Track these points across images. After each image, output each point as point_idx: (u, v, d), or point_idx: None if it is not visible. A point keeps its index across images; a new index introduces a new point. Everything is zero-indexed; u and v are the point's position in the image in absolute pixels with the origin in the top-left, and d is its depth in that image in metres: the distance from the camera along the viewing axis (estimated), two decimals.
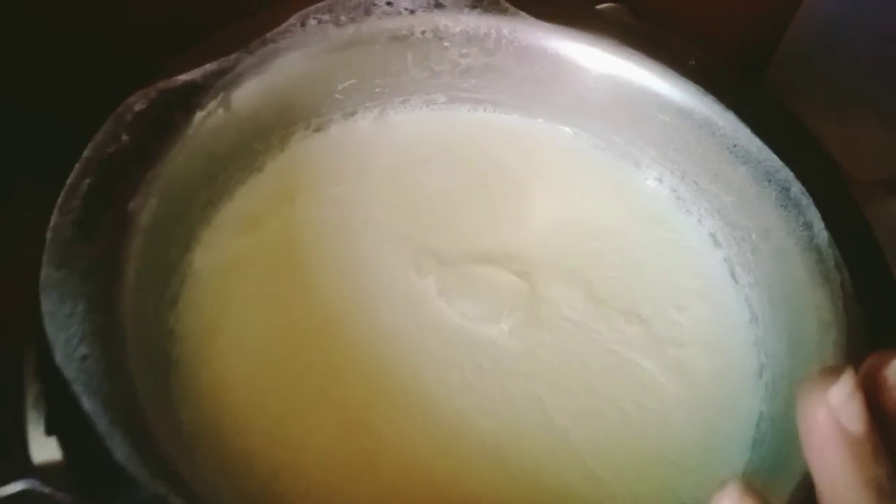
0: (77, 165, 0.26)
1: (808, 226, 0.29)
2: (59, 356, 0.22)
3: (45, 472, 0.29)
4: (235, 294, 0.31)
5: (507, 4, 0.34)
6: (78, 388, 0.22)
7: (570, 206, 0.36)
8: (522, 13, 0.34)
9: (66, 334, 0.23)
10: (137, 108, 0.28)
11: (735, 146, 0.32)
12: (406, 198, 0.35)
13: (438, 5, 0.34)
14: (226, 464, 0.27)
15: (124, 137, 0.27)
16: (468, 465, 0.28)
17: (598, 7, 0.46)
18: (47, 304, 0.23)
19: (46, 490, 0.32)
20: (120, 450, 0.21)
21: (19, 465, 0.29)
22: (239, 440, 0.27)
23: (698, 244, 0.35)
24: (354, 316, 0.31)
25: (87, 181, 0.26)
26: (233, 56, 0.30)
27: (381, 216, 0.34)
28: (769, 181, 0.30)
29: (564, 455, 0.29)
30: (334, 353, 0.30)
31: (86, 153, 0.26)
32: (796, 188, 0.30)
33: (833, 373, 0.17)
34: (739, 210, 0.33)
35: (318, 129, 0.36)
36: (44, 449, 0.30)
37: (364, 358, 0.30)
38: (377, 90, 0.36)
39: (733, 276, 0.33)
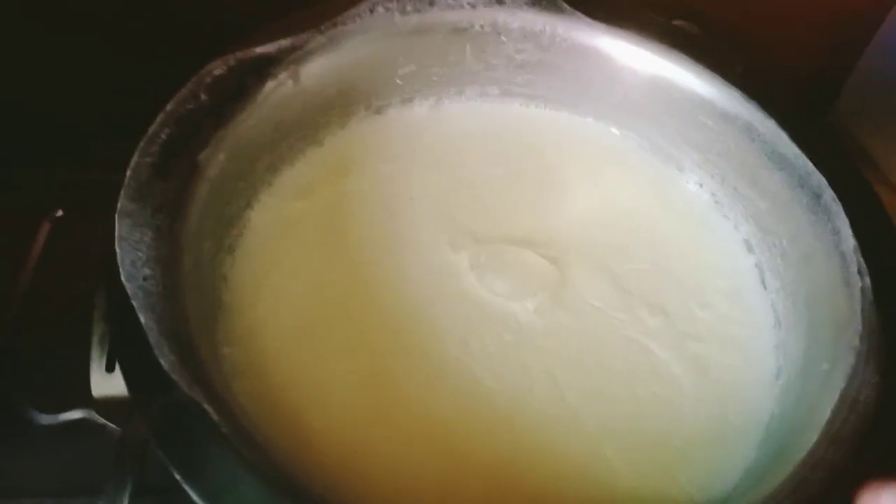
0: (159, 116, 0.30)
1: (835, 231, 0.29)
2: (124, 275, 0.26)
3: (101, 405, 0.33)
4: (285, 251, 0.34)
5: (564, 4, 0.36)
6: (136, 303, 0.25)
7: (609, 201, 0.37)
8: (578, 13, 0.36)
9: (132, 257, 0.26)
10: (217, 72, 0.31)
11: (773, 152, 0.32)
12: (450, 180, 0.37)
13: (499, 1, 0.36)
14: (259, 395, 0.29)
15: (202, 97, 0.31)
16: (477, 427, 0.30)
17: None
18: (121, 229, 0.27)
19: (100, 420, 0.36)
20: (166, 359, 0.24)
21: (81, 396, 0.33)
22: (272, 376, 0.30)
23: (732, 248, 0.35)
24: (389, 281, 0.33)
25: (166, 131, 0.29)
26: (305, 34, 0.34)
27: (425, 195, 0.37)
28: (802, 187, 0.31)
29: (572, 430, 0.30)
30: (366, 311, 0.32)
31: (167, 107, 0.30)
32: (828, 195, 0.30)
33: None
34: (773, 215, 0.33)
35: (377, 111, 0.39)
36: (102, 385, 0.33)
37: (393, 318, 0.32)
38: (435, 79, 0.39)
39: (763, 281, 0.34)
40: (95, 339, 0.34)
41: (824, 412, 0.26)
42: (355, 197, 0.36)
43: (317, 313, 0.32)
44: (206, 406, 0.24)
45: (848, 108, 0.53)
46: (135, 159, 0.28)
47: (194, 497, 0.22)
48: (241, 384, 0.30)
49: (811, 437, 0.25)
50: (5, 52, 0.47)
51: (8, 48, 0.45)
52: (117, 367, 0.32)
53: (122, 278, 0.26)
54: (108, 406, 0.34)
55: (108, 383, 0.33)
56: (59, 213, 0.46)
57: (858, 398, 0.25)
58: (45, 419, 0.38)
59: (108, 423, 0.36)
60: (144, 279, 0.26)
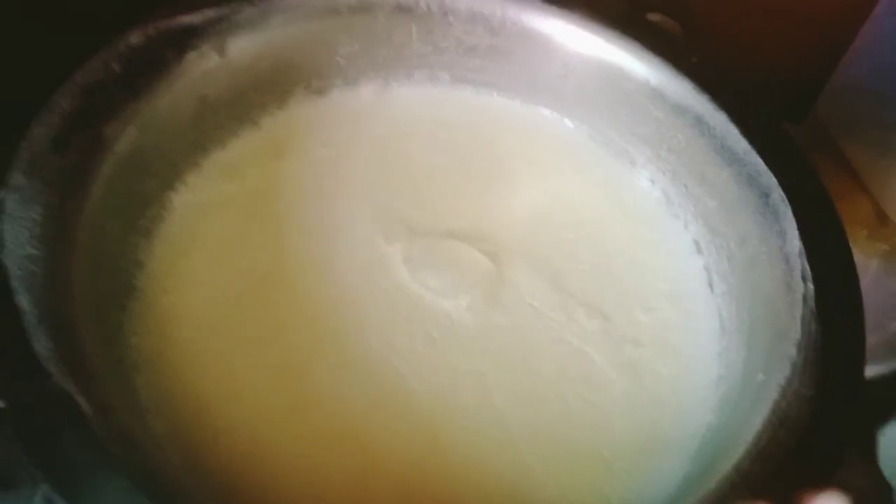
0: (63, 86, 0.28)
1: (781, 234, 0.28)
2: (4, 252, 0.24)
3: None
4: (208, 235, 0.32)
5: None
6: (14, 283, 0.23)
7: (556, 195, 0.35)
8: None
9: (17, 233, 0.24)
10: (133, 41, 0.30)
11: (723, 147, 0.31)
12: (391, 168, 0.35)
13: None
14: (164, 389, 0.28)
15: (114, 67, 0.29)
16: (397, 428, 0.28)
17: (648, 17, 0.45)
18: (8, 204, 0.25)
19: None
20: (41, 343, 0.22)
21: None
22: (180, 369, 0.28)
23: (680, 249, 0.33)
24: (315, 270, 0.32)
25: (69, 101, 0.27)
26: (233, 4, 0.32)
27: (363, 182, 0.35)
28: (750, 185, 0.29)
29: (496, 436, 0.28)
30: (289, 300, 0.31)
31: (74, 76, 0.28)
32: (776, 195, 0.28)
33: None
34: (721, 215, 0.31)
35: (318, 92, 0.37)
36: None
37: (315, 310, 0.30)
38: (381, 60, 0.37)
39: (710, 284, 0.32)
40: None
41: (754, 425, 0.24)
42: (288, 181, 0.34)
43: (235, 302, 0.30)
44: (78, 398, 0.22)
45: (826, 112, 0.52)
46: (32, 129, 0.26)
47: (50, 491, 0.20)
48: (145, 377, 0.28)
49: (738, 451, 0.23)
50: None
51: None
52: None
53: (2, 256, 0.24)
54: None
55: None
56: None
57: (789, 413, 0.23)
58: None
59: None
60: (28, 258, 0.24)
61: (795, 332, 0.25)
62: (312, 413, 0.28)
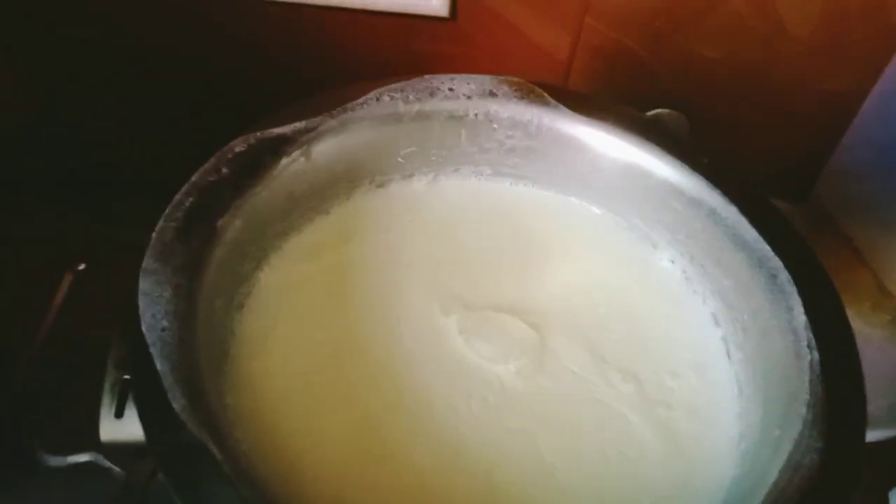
0: (184, 186, 0.33)
1: (789, 309, 0.32)
2: (144, 325, 0.29)
3: (108, 449, 0.36)
4: (290, 309, 0.37)
5: (549, 98, 0.40)
6: (154, 352, 0.28)
7: (588, 273, 0.40)
8: (562, 106, 0.40)
9: (153, 310, 0.29)
10: (238, 149, 0.36)
11: (735, 235, 0.36)
12: (444, 250, 0.41)
13: (492, 94, 0.40)
14: (257, 441, 0.32)
15: (224, 170, 0.35)
16: (459, 483, 0.32)
17: (657, 112, 0.51)
18: (144, 285, 0.30)
19: (107, 464, 0.38)
20: (178, 402, 0.27)
21: (89, 440, 0.35)
22: (270, 425, 0.33)
23: (700, 321, 0.38)
24: (383, 340, 0.36)
25: (190, 199, 0.33)
26: (318, 118, 0.38)
27: (420, 262, 0.40)
28: (760, 267, 0.34)
29: (549, 488, 0.32)
30: (361, 367, 0.35)
31: (193, 178, 0.34)
32: (783, 276, 0.33)
33: None
34: (736, 292, 0.36)
35: (380, 185, 0.43)
36: (111, 430, 0.36)
37: (385, 376, 0.35)
38: (433, 158, 0.43)
39: (728, 353, 0.37)
40: (108, 386, 0.36)
41: (773, 474, 0.28)
42: (356, 262, 0.40)
43: (315, 367, 0.35)
44: (211, 447, 0.26)
45: (826, 192, 0.56)
46: (160, 223, 0.32)
47: None
48: (241, 431, 0.32)
49: (759, 496, 0.27)
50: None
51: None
52: (126, 413, 0.34)
53: (143, 328, 0.29)
54: (115, 450, 0.36)
55: (116, 429, 0.35)
56: (82, 266, 0.49)
57: (803, 462, 0.28)
58: (55, 461, 0.40)
59: (114, 467, 0.38)
60: (163, 330, 0.29)
61: (805, 394, 0.30)
62: (386, 466, 0.32)
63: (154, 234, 0.32)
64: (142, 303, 0.30)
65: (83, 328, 0.45)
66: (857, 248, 0.55)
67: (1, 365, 0.44)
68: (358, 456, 0.32)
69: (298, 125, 0.37)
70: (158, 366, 0.28)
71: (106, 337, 0.35)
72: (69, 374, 0.42)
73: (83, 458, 0.40)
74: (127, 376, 0.34)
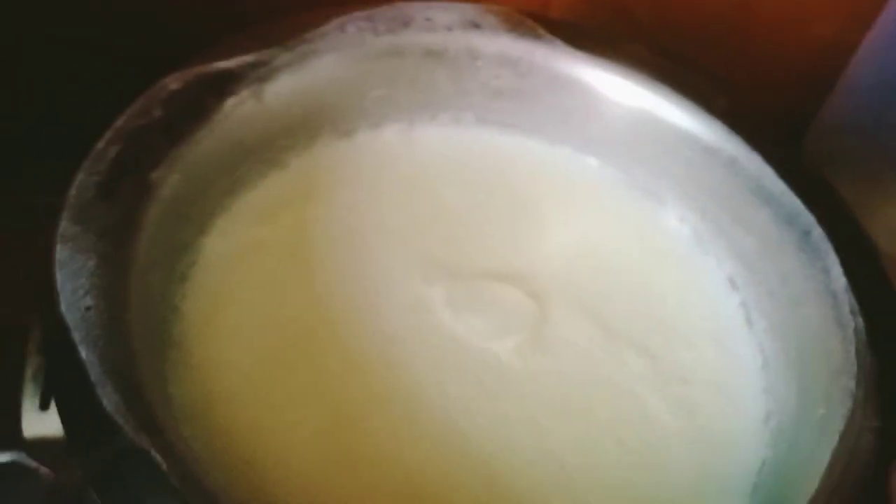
0: (107, 133, 0.27)
1: (825, 271, 0.28)
2: (63, 305, 0.23)
3: (33, 447, 0.30)
4: (242, 281, 0.31)
5: (544, 31, 0.35)
6: (77, 336, 0.22)
7: (587, 235, 0.36)
8: (558, 40, 0.35)
9: (73, 285, 0.23)
10: (173, 87, 0.29)
11: (758, 187, 0.31)
12: (422, 210, 0.35)
13: (475, 25, 0.35)
14: (209, 440, 0.26)
15: (156, 113, 0.28)
16: (453, 478, 0.27)
17: None
18: (61, 254, 0.24)
19: (33, 464, 0.32)
20: (109, 399, 0.21)
21: (11, 437, 0.29)
22: (226, 421, 0.27)
23: (714, 286, 0.34)
24: (355, 317, 0.31)
25: (115, 148, 0.27)
26: (270, 50, 0.31)
27: (395, 224, 0.34)
28: (790, 224, 0.30)
29: (556, 479, 0.28)
30: (331, 350, 0.30)
31: (117, 122, 0.27)
32: (817, 233, 0.29)
33: None
34: (760, 253, 0.32)
35: (344, 135, 0.37)
36: (35, 424, 0.30)
37: (360, 358, 0.30)
38: (406, 103, 0.37)
39: (748, 320, 0.33)
40: (29, 374, 0.30)
41: (823, 459, 0.24)
42: (320, 225, 0.34)
43: (275, 352, 0.29)
44: (154, 454, 0.21)
45: (814, 147, 0.54)
46: (79, 177, 0.26)
47: None
48: (190, 429, 0.26)
49: (811, 486, 0.23)
50: None
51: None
52: (51, 404, 0.28)
53: (62, 308, 0.22)
54: (41, 448, 0.30)
55: (42, 423, 0.30)
56: None
57: (858, 444, 0.24)
58: None
59: (41, 467, 0.32)
60: (87, 309, 0.23)
61: (851, 366, 0.26)
62: (365, 466, 0.27)
63: (71, 192, 0.25)
64: (59, 276, 0.23)
65: None
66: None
67: None
68: (329, 457, 0.27)
69: (247, 58, 0.31)
70: (83, 354, 0.22)
71: (21, 318, 0.29)
72: None
73: (4, 457, 0.34)
74: None
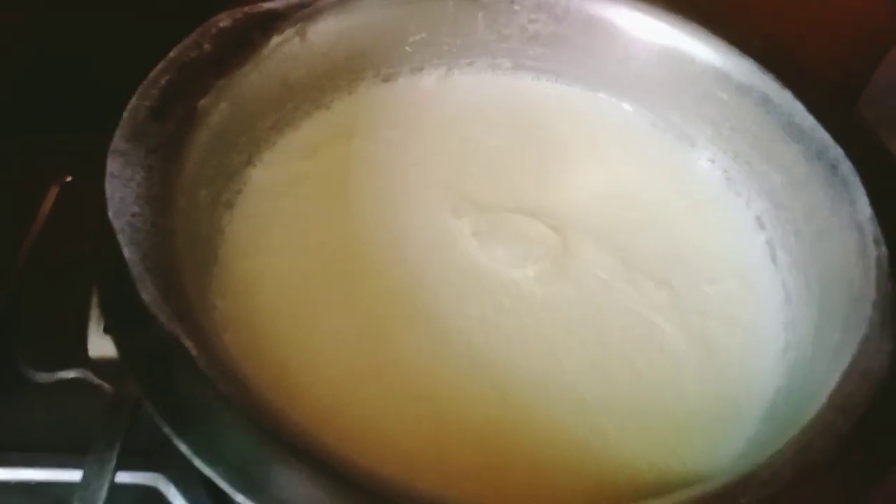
0: (161, 63, 0.29)
1: (852, 203, 0.28)
2: (111, 211, 0.25)
3: (97, 366, 0.33)
4: (285, 209, 0.33)
5: None
6: (122, 238, 0.25)
7: (617, 176, 0.36)
8: None
9: (121, 194, 0.26)
10: (222, 24, 0.31)
11: (789, 124, 0.31)
12: (456, 149, 0.37)
13: None
14: (247, 348, 0.29)
15: (206, 47, 0.31)
16: (469, 393, 0.29)
17: None
18: (112, 166, 0.26)
19: (96, 380, 0.35)
20: (148, 292, 0.24)
21: (77, 356, 0.33)
22: (262, 331, 0.29)
23: (742, 226, 0.34)
24: (388, 243, 0.33)
25: (166, 77, 0.29)
26: None
27: (429, 161, 0.36)
28: (819, 159, 0.30)
29: (568, 401, 0.29)
30: (364, 271, 0.32)
31: (170, 54, 0.30)
32: (845, 166, 0.29)
33: None
34: (788, 190, 0.32)
35: (385, 79, 0.38)
36: (99, 346, 0.33)
37: (390, 280, 0.31)
38: (445, 48, 0.38)
39: (773, 258, 0.33)
40: (95, 301, 0.33)
41: (833, 380, 0.24)
42: (360, 160, 0.36)
43: (313, 271, 0.32)
44: (185, 341, 0.23)
45: (868, 108, 0.52)
46: (133, 102, 0.28)
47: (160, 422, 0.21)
48: (230, 336, 0.29)
49: (818, 403, 0.24)
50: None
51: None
52: None
53: (110, 214, 0.25)
54: (103, 366, 0.33)
55: (104, 345, 0.33)
56: (69, 178, 0.46)
57: (871, 366, 0.24)
58: (42, 377, 0.37)
59: (103, 383, 0.36)
60: (133, 216, 0.25)
61: (871, 293, 0.26)
62: (390, 375, 0.29)
63: (125, 114, 0.28)
64: (109, 187, 0.26)
65: (70, 243, 0.42)
66: None
67: None
68: (358, 364, 0.29)
69: (292, 0, 0.33)
70: (126, 253, 0.24)
71: (94, 251, 0.32)
72: (56, 289, 0.40)
73: (71, 374, 0.38)
74: None
